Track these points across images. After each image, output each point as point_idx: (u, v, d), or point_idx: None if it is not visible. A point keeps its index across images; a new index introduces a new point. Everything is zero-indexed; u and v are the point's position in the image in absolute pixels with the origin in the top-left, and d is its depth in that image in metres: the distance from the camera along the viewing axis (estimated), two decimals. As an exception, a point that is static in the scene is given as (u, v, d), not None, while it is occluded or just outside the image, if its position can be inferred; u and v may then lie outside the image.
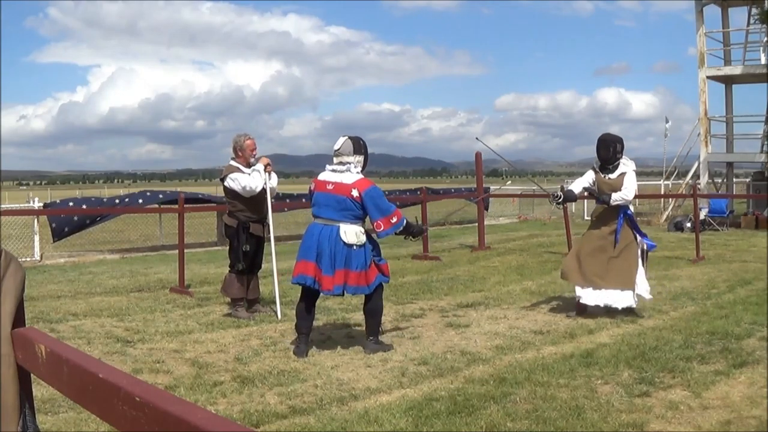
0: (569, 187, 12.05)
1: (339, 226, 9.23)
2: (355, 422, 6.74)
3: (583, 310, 11.54)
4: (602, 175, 11.56)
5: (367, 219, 9.39)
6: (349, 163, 9.43)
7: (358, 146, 9.58)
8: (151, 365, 8.80)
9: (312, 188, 9.71)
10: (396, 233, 9.68)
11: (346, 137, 9.60)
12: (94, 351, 9.37)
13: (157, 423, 1.95)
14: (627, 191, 11.31)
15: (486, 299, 13.05)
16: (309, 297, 9.58)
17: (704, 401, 7.24)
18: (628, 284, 11.24)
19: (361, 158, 9.56)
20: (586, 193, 12.11)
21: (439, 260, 18.89)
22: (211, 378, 8.25)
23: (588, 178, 11.78)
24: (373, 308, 9.67)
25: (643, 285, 11.43)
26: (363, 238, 9.32)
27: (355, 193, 9.23)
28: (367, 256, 9.36)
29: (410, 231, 9.83)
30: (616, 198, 11.28)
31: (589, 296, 11.35)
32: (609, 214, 11.44)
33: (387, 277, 9.77)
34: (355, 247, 9.23)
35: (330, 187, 9.38)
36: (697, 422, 6.67)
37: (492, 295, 13.54)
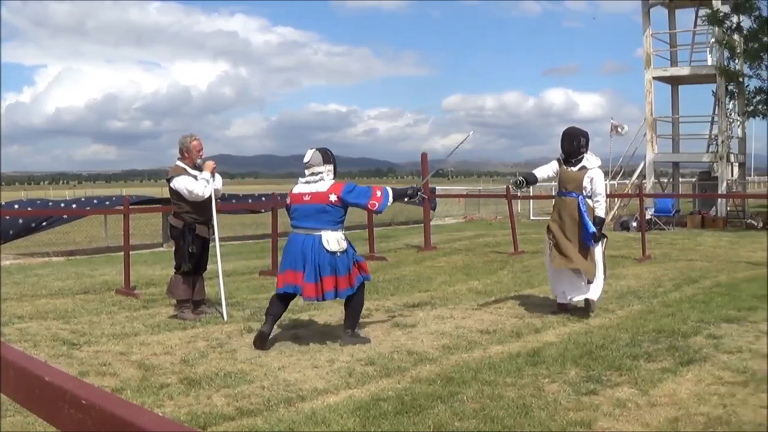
0: (532, 171, 12.17)
1: (321, 235, 9.60)
2: (303, 423, 6.74)
3: (565, 308, 11.68)
4: (566, 167, 11.67)
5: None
6: (321, 173, 9.88)
7: (327, 156, 9.99)
8: (98, 368, 8.73)
9: (288, 202, 10.11)
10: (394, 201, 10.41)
11: (314, 149, 10.03)
12: (41, 354, 9.28)
13: (104, 425, 1.95)
14: (599, 196, 11.52)
15: (432, 299, 13.09)
16: (283, 298, 10.03)
17: (652, 399, 7.29)
18: (593, 276, 11.42)
19: (331, 167, 10.03)
20: (548, 176, 12.10)
21: (385, 260, 18.85)
22: (158, 380, 8.21)
23: (552, 167, 11.87)
24: (356, 303, 10.03)
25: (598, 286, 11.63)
26: (345, 245, 9.70)
27: (333, 198, 9.67)
28: (350, 260, 9.76)
29: (406, 195, 10.44)
30: (599, 212, 11.52)
31: (570, 291, 11.57)
32: (569, 206, 11.52)
33: (368, 275, 10.26)
34: (338, 254, 9.61)
35: (307, 198, 9.80)
36: (645, 420, 6.72)
37: (438, 294, 13.58)
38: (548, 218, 12.34)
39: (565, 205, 11.54)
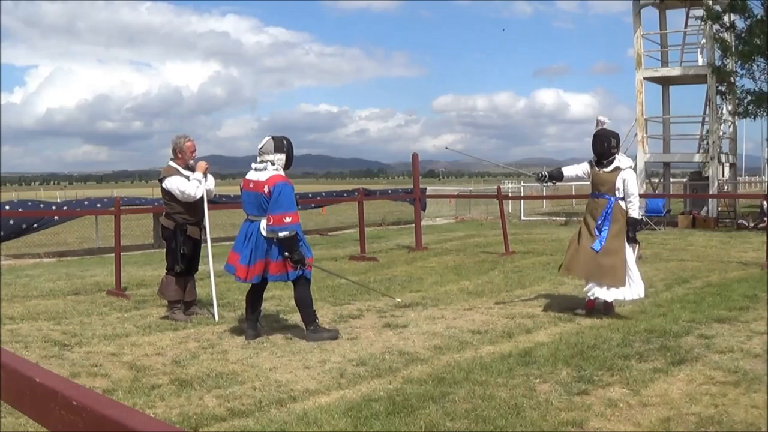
0: (560, 168, 12.25)
1: (260, 221, 9.87)
2: (294, 424, 6.73)
3: (591, 308, 11.60)
4: (597, 169, 11.57)
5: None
6: (269, 161, 9.99)
7: (280, 145, 10.10)
8: (89, 369, 8.72)
9: (241, 187, 10.34)
10: (281, 242, 9.77)
11: (270, 137, 10.13)
12: (32, 355, 9.27)
13: (95, 427, 1.95)
14: (632, 197, 11.34)
15: (423, 299, 13.09)
16: (255, 289, 10.37)
17: (643, 399, 7.29)
18: (619, 282, 11.23)
19: (282, 156, 10.06)
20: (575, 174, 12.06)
21: (376, 261, 18.89)
22: (149, 381, 8.20)
23: (582, 168, 11.83)
24: (298, 298, 10.21)
25: (636, 286, 11.40)
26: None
27: (266, 189, 9.77)
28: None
29: (292, 250, 9.81)
30: (633, 212, 11.35)
31: (597, 291, 11.41)
32: (601, 207, 11.44)
33: (308, 272, 10.20)
34: (275, 239, 9.77)
35: (251, 185, 10.01)
36: (637, 419, 6.72)
37: (429, 295, 13.58)
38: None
39: (597, 207, 11.49)
